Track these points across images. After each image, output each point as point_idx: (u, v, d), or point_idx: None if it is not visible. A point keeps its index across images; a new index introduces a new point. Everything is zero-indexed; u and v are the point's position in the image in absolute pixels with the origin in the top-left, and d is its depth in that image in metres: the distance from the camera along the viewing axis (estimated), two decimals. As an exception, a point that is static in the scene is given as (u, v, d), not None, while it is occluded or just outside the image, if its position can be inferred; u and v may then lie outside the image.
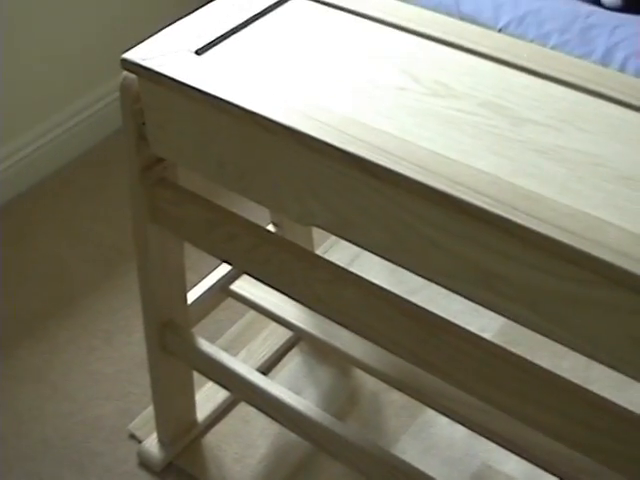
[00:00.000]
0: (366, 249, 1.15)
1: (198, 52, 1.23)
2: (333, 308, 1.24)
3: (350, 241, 1.16)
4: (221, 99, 1.14)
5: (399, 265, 1.12)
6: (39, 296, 2.01)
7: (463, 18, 1.97)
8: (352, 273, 1.21)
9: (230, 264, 1.38)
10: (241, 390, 1.50)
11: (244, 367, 1.48)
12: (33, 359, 1.89)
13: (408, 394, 1.47)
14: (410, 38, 1.26)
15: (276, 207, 1.22)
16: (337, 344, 1.56)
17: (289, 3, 1.34)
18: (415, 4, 1.92)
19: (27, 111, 2.26)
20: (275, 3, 1.33)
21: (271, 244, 1.26)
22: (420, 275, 1.10)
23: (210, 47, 1.25)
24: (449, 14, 1.97)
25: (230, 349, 1.85)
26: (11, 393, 1.82)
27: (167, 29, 1.28)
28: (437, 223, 1.03)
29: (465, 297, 1.07)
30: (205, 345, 1.51)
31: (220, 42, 1.26)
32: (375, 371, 1.51)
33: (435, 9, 1.94)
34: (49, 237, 2.16)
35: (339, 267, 1.22)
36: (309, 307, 1.27)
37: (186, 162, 1.28)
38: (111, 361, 1.87)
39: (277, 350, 1.84)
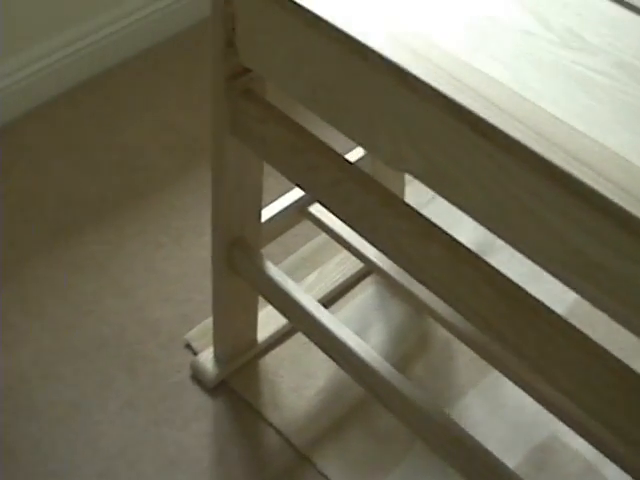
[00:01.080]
0: (460, 208, 1.02)
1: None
2: (415, 264, 1.12)
3: (443, 196, 1.03)
4: (323, 19, 1.00)
5: (494, 233, 0.99)
6: (111, 183, 1.93)
7: None
8: (442, 230, 1.08)
9: (309, 192, 1.26)
10: (303, 324, 1.41)
11: (309, 300, 1.37)
12: (97, 248, 1.81)
13: (478, 353, 1.36)
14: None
15: (367, 145, 1.09)
16: (411, 288, 1.44)
17: None
18: None
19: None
20: None
21: (355, 182, 1.14)
22: (515, 248, 0.97)
23: None
24: None
25: (301, 268, 1.75)
26: (70, 281, 1.75)
27: None
28: (546, 200, 0.89)
29: (561, 281, 0.94)
30: (272, 270, 1.41)
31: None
32: (447, 323, 1.40)
33: None
34: (129, 122, 2.06)
35: (428, 220, 1.09)
36: (388, 257, 1.15)
37: (276, 78, 1.16)
38: (177, 261, 1.79)
39: (350, 276, 1.73)
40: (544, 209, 0.90)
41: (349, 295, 1.72)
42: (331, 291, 1.70)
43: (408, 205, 1.13)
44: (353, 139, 1.10)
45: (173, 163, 1.97)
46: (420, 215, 1.11)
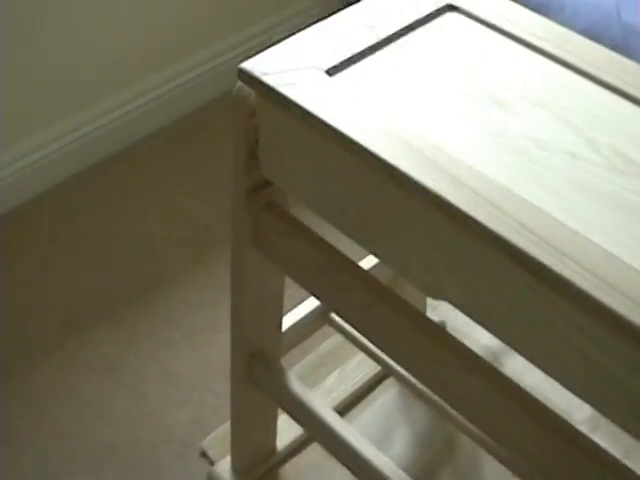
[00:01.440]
0: (502, 341, 0.95)
1: (330, 72, 1.03)
2: (452, 394, 1.05)
3: (485, 327, 0.96)
4: (354, 141, 0.94)
5: (540, 368, 0.92)
6: (120, 275, 1.86)
7: (624, 29, 1.71)
8: (485, 362, 1.01)
9: (339, 315, 1.20)
10: (322, 437, 1.34)
11: (329, 413, 1.30)
12: (107, 347, 1.74)
13: (505, 465, 1.29)
14: (583, 82, 1.04)
15: (400, 270, 1.03)
16: (435, 396, 1.37)
17: (440, 19, 1.12)
18: (570, 18, 1.70)
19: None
20: (425, 17, 1.11)
21: (388, 306, 1.07)
22: (563, 385, 0.90)
23: (345, 66, 1.05)
24: (608, 25, 1.72)
25: (320, 367, 1.68)
26: (79, 383, 1.68)
27: (294, 37, 1.08)
28: (603, 343, 0.83)
29: (609, 419, 0.88)
30: (293, 383, 1.34)
31: (357, 61, 1.06)
32: (473, 433, 1.33)
33: (593, 21, 1.70)
34: (138, 210, 2.00)
35: (468, 349, 1.03)
36: (426, 387, 1.08)
37: (300, 195, 1.09)
38: (191, 362, 1.72)
39: (372, 377, 1.66)
40: (597, 350, 0.83)
41: (371, 396, 1.65)
42: (352, 393, 1.63)
43: (448, 333, 1.06)
44: (385, 262, 1.04)
45: (184, 254, 1.91)
46: (459, 343, 1.04)
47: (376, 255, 1.05)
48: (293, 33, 1.08)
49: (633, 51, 1.69)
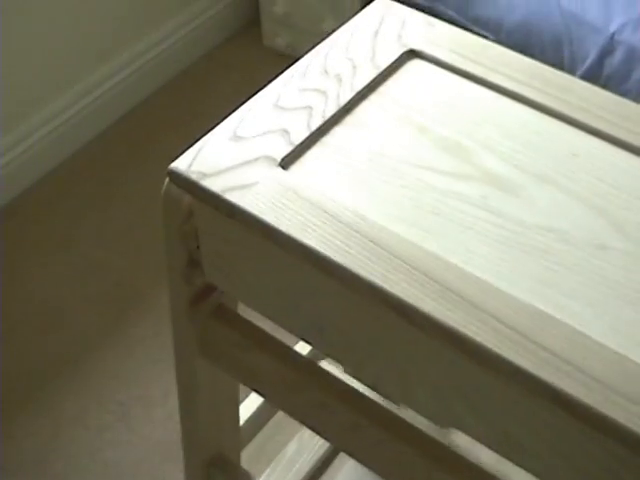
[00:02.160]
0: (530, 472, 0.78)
1: (284, 163, 0.83)
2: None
3: (508, 459, 0.79)
4: (332, 261, 0.75)
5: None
6: (34, 350, 1.63)
7: (565, 16, 1.55)
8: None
9: (319, 435, 1.01)
10: None
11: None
12: (31, 441, 1.52)
13: None
14: (582, 137, 0.86)
15: (401, 398, 0.84)
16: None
17: (402, 70, 0.93)
18: (505, 11, 1.52)
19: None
20: (384, 71, 0.92)
21: (381, 426, 0.89)
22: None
23: (302, 151, 0.85)
24: (548, 13, 1.55)
25: (280, 434, 1.49)
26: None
27: (231, 117, 0.87)
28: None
29: None
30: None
31: (316, 140, 0.86)
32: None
33: (531, 11, 1.53)
34: (40, 265, 1.76)
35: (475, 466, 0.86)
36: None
37: (261, 309, 0.90)
38: (128, 447, 1.51)
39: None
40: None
41: (337, 461, 1.47)
42: (321, 456, 1.45)
43: (456, 453, 0.88)
44: (379, 389, 0.86)
45: (102, 318, 1.68)
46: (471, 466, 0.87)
47: (365, 381, 0.86)
48: (226, 114, 0.87)
49: (576, 39, 1.53)
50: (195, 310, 0.96)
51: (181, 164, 0.83)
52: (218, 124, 0.87)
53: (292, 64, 0.92)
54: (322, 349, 0.87)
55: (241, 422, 1.20)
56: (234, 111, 0.88)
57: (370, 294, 0.75)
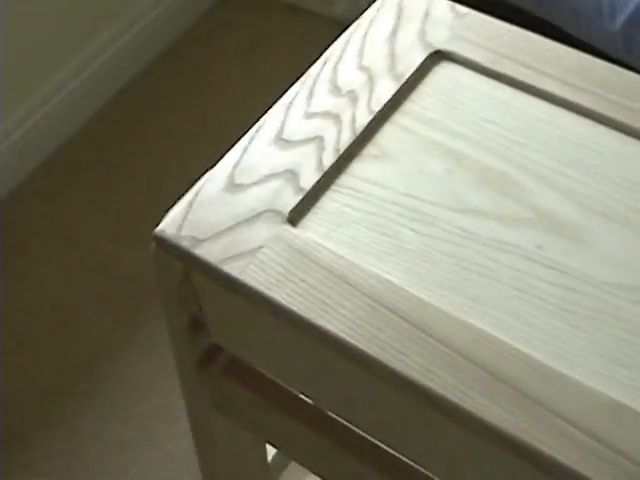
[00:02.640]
0: None
1: (292, 218, 0.68)
2: None
3: None
4: (361, 351, 0.61)
5: None
6: (45, 359, 1.51)
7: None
8: None
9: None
10: None
11: None
12: (48, 466, 1.41)
13: None
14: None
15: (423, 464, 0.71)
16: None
17: (428, 77, 0.77)
18: None
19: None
20: (408, 81, 0.76)
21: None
22: None
23: (314, 199, 0.70)
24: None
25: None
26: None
27: (223, 161, 0.72)
28: None
29: None
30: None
31: (331, 183, 0.71)
32: None
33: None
34: (45, 261, 1.62)
35: None
36: None
37: (282, 378, 0.76)
38: (152, 464, 1.39)
39: None
40: None
41: None
42: None
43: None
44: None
45: (115, 318, 1.55)
46: None
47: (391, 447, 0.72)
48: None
49: None
50: (204, 370, 0.82)
51: (169, 227, 0.68)
52: (212, 165, 0.72)
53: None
54: (351, 421, 0.73)
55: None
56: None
57: (408, 390, 0.60)
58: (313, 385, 0.72)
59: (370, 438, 0.75)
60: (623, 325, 0.62)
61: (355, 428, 0.74)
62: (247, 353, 0.76)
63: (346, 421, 0.74)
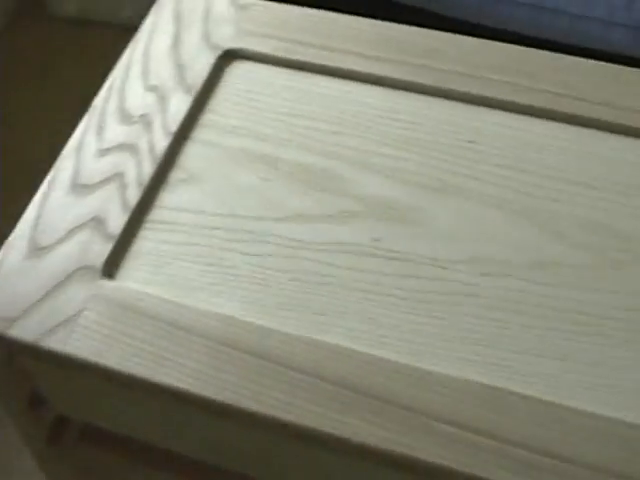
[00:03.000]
0: None
1: (108, 270, 0.62)
2: None
3: None
4: (208, 399, 0.56)
5: None
6: None
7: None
8: None
9: None
10: None
11: None
12: None
13: None
14: (494, 116, 0.67)
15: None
16: None
17: (222, 85, 0.71)
18: None
19: None
20: (202, 91, 0.70)
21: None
22: None
23: (126, 244, 0.63)
24: None
25: None
26: None
27: (21, 222, 0.65)
28: None
29: None
30: None
31: (142, 221, 0.64)
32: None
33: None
34: None
35: None
36: None
37: (140, 437, 0.70)
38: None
39: None
40: None
41: None
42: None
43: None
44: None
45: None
46: None
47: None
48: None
49: None
50: (57, 444, 0.75)
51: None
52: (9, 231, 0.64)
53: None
54: (223, 466, 0.68)
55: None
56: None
57: (271, 428, 0.55)
58: (172, 438, 0.66)
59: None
60: (480, 302, 0.58)
61: (228, 468, 0.68)
62: (96, 419, 0.69)
63: (217, 464, 0.68)
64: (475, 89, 0.67)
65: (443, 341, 0.57)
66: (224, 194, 0.64)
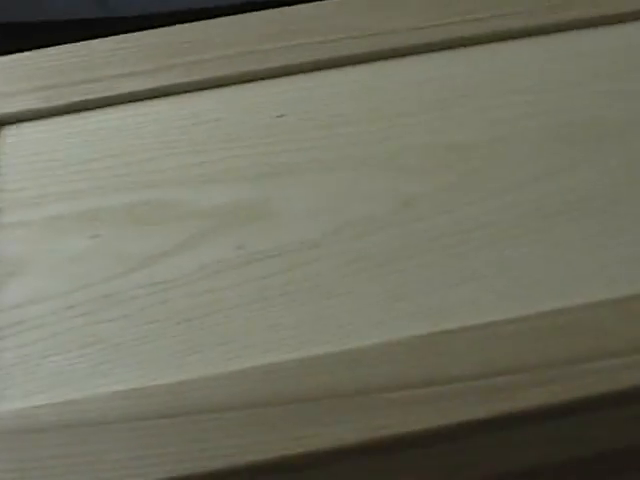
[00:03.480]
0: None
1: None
2: None
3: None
4: None
5: None
6: None
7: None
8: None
9: None
10: None
11: None
12: None
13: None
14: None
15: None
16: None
17: None
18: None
19: None
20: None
21: None
22: None
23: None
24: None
25: None
26: None
27: None
28: None
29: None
30: None
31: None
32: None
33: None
34: None
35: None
36: None
37: None
38: None
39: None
40: None
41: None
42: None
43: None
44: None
45: None
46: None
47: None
48: None
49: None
50: None
51: None
52: None
53: None
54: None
55: None
56: None
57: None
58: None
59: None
60: (365, 264, 0.56)
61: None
62: None
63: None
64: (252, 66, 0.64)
65: (350, 316, 0.54)
66: (61, 269, 0.58)
